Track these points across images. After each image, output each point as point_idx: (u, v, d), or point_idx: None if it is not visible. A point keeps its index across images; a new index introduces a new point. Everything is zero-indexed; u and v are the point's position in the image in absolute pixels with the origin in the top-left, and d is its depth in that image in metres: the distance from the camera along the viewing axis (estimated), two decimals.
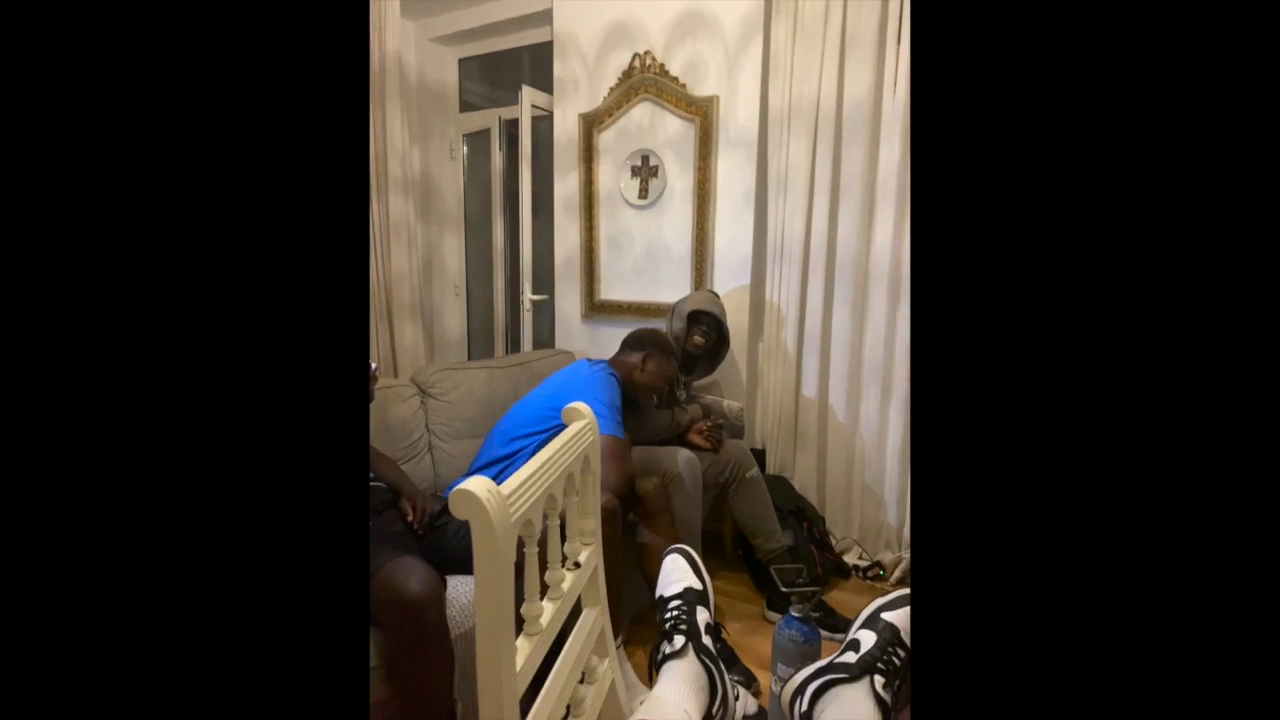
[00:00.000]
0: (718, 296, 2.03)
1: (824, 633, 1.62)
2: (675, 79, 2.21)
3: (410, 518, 1.31)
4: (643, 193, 2.33)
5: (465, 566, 0.61)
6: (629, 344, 1.76)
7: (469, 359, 3.28)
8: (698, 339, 1.90)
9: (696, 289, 2.26)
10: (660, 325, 2.00)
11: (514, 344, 3.17)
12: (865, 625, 0.82)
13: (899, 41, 1.87)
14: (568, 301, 2.61)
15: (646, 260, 2.38)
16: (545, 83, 2.58)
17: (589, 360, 1.73)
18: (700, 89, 2.19)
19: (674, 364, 1.72)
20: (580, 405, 0.92)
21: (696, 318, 1.90)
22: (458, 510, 0.58)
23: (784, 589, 1.73)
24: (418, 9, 2.87)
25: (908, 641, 0.78)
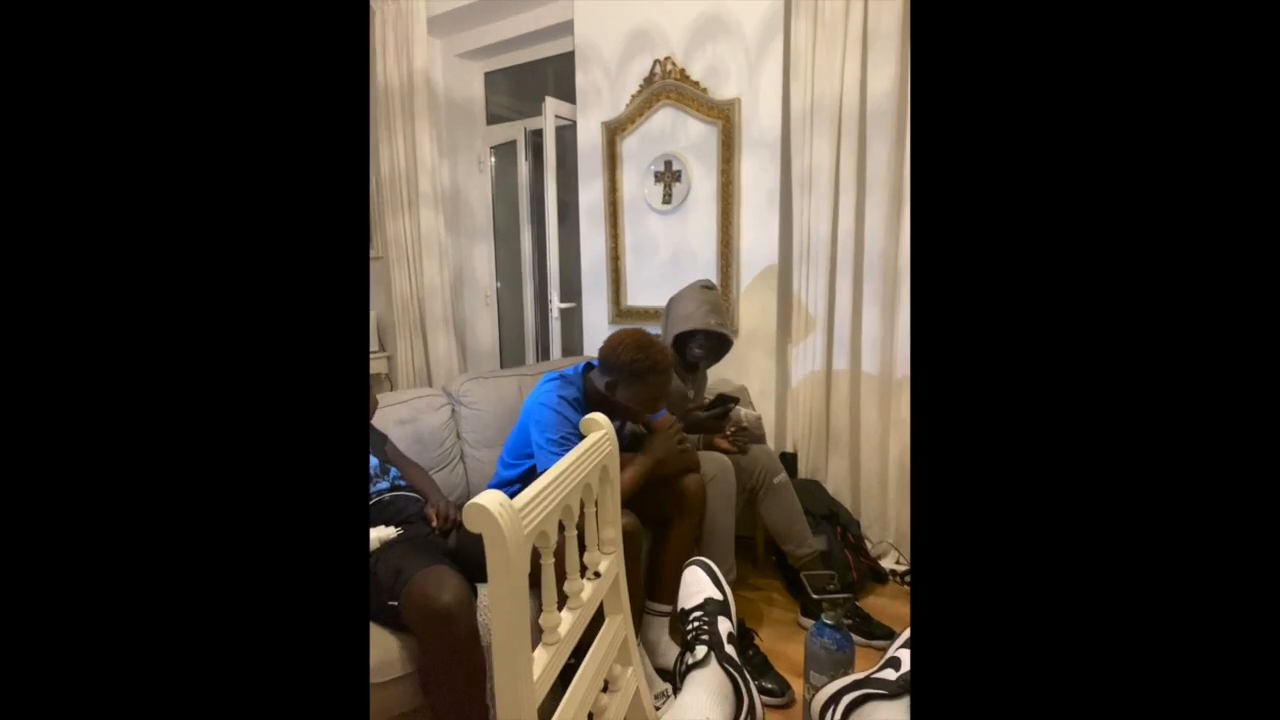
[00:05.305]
0: (711, 289, 1.89)
1: (859, 639, 1.61)
2: (696, 83, 2.21)
3: (434, 524, 1.35)
4: (666, 198, 2.33)
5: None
6: (603, 363, 1.54)
7: (501, 367, 3.34)
8: (696, 350, 1.87)
9: (709, 290, 2.00)
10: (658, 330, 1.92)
11: (544, 351, 3.21)
12: (908, 645, 0.80)
13: None
14: (595, 308, 2.63)
15: (672, 265, 2.38)
16: (568, 92, 2.61)
17: (546, 378, 1.59)
18: (721, 92, 2.18)
19: (654, 380, 1.51)
20: (598, 416, 0.92)
21: (686, 338, 1.85)
22: (471, 524, 0.59)
23: (815, 595, 1.71)
24: (444, 27, 2.94)
25: None
